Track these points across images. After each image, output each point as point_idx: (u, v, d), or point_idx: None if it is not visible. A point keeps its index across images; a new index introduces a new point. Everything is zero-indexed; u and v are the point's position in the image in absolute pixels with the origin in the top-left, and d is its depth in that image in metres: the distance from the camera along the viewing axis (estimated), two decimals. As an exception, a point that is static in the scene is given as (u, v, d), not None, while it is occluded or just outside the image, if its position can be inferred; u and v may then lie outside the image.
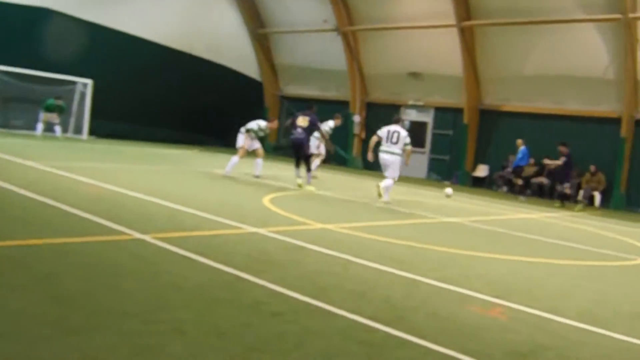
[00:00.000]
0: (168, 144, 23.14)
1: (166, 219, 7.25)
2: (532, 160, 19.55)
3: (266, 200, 10.12)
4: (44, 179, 9.59)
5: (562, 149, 16.48)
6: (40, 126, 19.74)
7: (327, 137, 15.02)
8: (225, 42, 25.46)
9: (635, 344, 4.42)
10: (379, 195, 11.45)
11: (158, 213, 7.64)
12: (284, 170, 15.91)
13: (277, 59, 27.14)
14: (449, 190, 13.80)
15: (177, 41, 23.54)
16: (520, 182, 18.50)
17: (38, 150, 14.78)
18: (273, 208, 9.27)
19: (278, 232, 7.15)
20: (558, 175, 17.17)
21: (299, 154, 12.84)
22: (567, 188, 17.21)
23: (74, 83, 21.18)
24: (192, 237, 6.34)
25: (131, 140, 22.23)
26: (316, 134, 14.08)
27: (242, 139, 13.97)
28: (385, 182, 11.53)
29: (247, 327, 3.78)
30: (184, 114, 24.08)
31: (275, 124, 15.06)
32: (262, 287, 4.75)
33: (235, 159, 13.64)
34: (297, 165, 12.96)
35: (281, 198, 10.73)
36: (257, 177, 13.99)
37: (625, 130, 18.00)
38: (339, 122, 16.34)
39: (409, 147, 11.72)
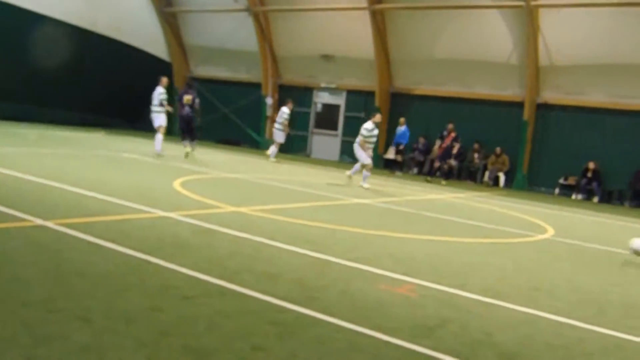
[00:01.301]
0: (72, 126, 22.04)
1: (70, 205, 6.94)
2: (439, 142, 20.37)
3: (177, 183, 9.91)
4: None
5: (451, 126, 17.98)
6: None
7: (286, 123, 17.70)
8: (130, 19, 24.43)
9: (532, 314, 4.71)
10: None
11: (62, 198, 7.29)
12: (197, 154, 15.61)
13: (186, 39, 26.42)
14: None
15: (79, 18, 22.32)
16: (399, 158, 20.09)
17: None
18: (184, 191, 9.09)
19: (189, 216, 7.03)
20: (446, 153, 18.25)
21: (187, 129, 15.22)
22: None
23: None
24: (99, 223, 6.11)
25: (32, 122, 20.97)
26: (278, 125, 17.65)
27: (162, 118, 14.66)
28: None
29: (157, 312, 3.72)
30: (89, 95, 22.97)
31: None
32: (173, 271, 4.67)
33: (159, 136, 14.46)
34: (184, 138, 15.19)
35: (192, 181, 10.55)
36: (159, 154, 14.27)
37: (527, 114, 18.99)
38: (291, 106, 18.07)
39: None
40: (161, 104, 14.51)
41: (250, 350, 3.31)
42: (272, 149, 17.96)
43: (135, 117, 25.40)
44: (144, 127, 23.12)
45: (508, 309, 4.79)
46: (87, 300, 3.79)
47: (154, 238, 5.73)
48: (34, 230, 5.51)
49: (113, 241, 5.33)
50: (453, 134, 17.89)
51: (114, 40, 23.61)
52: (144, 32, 25.25)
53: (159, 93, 14.57)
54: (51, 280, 4.15)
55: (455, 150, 18.30)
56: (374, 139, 13.46)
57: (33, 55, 20.58)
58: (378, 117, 13.51)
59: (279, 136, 17.91)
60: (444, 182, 17.96)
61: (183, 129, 15.37)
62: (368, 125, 13.25)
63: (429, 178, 18.25)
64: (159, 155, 14.19)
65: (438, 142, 18.78)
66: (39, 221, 5.83)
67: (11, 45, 20.07)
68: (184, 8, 25.42)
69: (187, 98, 15.00)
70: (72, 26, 22.05)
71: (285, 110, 17.78)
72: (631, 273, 7.07)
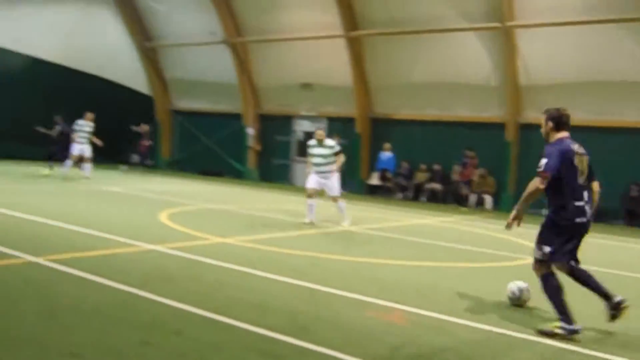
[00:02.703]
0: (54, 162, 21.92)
1: (59, 240, 6.97)
2: (423, 167, 20.56)
3: (163, 216, 9.95)
4: None
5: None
6: None
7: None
8: (110, 55, 24.56)
9: (531, 340, 4.66)
10: None
11: (50, 234, 7.32)
12: (181, 185, 15.64)
13: (167, 72, 26.58)
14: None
15: (57, 56, 22.46)
16: (389, 184, 20.10)
17: None
18: (170, 224, 9.13)
19: (176, 248, 7.08)
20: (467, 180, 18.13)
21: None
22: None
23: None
24: (87, 258, 6.15)
25: (12, 159, 20.86)
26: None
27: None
28: None
29: (147, 347, 3.77)
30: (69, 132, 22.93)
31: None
32: (162, 304, 4.72)
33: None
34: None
35: (178, 214, 10.58)
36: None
37: (510, 135, 19.06)
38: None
39: None
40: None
41: (242, 380, 3.36)
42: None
43: (118, 152, 25.37)
44: (127, 162, 23.13)
45: (499, 334, 4.74)
46: (78, 335, 3.84)
47: (142, 271, 5.77)
48: (25, 267, 5.56)
49: (102, 275, 5.37)
50: (475, 161, 17.70)
51: (94, 76, 23.71)
52: (125, 68, 25.36)
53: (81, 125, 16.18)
54: (44, 315, 4.19)
55: (475, 177, 18.28)
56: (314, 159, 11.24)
57: (13, 93, 20.66)
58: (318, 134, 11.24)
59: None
60: (463, 209, 17.66)
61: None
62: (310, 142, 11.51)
63: (461, 208, 17.82)
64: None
65: (457, 169, 18.69)
66: (29, 257, 5.86)
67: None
68: (163, 42, 25.63)
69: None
70: (50, 63, 22.17)
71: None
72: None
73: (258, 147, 24.30)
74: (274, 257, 7.21)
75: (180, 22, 24.45)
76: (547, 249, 5.02)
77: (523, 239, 11.62)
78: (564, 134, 5.23)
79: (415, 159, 20.90)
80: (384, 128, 21.77)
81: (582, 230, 5.05)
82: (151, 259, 6.48)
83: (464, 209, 17.66)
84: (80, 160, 16.29)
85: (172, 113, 26.81)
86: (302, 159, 23.87)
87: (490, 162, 19.50)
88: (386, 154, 19.96)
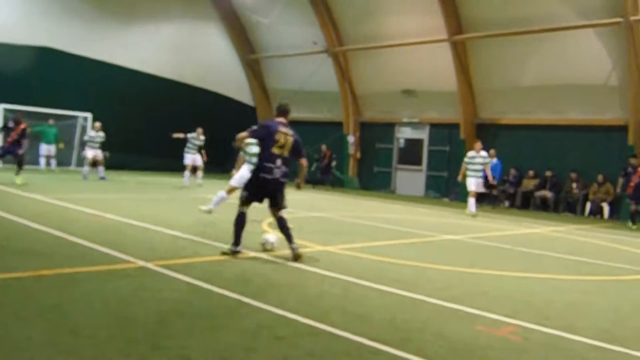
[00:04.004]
0: (167, 172, 23.20)
1: (168, 246, 7.29)
2: (532, 173, 19.64)
3: (265, 224, 10.14)
4: (49, 211, 9.72)
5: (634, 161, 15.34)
6: (42, 160, 20.26)
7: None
8: (217, 69, 25.76)
9: None
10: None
11: (160, 241, 7.68)
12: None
13: (269, 83, 27.34)
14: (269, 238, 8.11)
15: (169, 71, 23.88)
16: (495, 191, 19.20)
17: (43, 183, 14.85)
18: (272, 231, 9.28)
19: (278, 256, 7.17)
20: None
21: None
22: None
23: (74, 117, 21.70)
24: (194, 264, 6.37)
25: (130, 170, 22.33)
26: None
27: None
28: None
29: (251, 352, 3.81)
30: (181, 142, 24.18)
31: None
32: (265, 311, 4.77)
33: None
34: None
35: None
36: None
37: (633, 138, 17.51)
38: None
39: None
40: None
41: (344, 391, 3.30)
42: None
43: (225, 161, 26.37)
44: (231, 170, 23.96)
45: (628, 355, 4.36)
46: (186, 338, 3.95)
47: (246, 278, 5.89)
48: (137, 272, 5.84)
49: (207, 281, 5.53)
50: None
51: (201, 89, 24.90)
52: (230, 80, 26.46)
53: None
54: (154, 318, 4.36)
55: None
56: (475, 167, 14.91)
57: (129, 108, 22.21)
58: (477, 146, 14.95)
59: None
60: (633, 225, 15.22)
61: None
62: (470, 153, 14.89)
63: (631, 225, 15.31)
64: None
65: (621, 180, 16.06)
66: (141, 262, 6.17)
67: (109, 99, 21.77)
68: (265, 54, 26.40)
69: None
70: (162, 79, 23.58)
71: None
72: None
73: (358, 155, 24.32)
74: (377, 266, 7.11)
75: (282, 33, 25.07)
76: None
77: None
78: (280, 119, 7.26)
79: (524, 165, 20.03)
80: (489, 133, 21.04)
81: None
82: (255, 265, 6.60)
83: (633, 226, 15.24)
84: (193, 170, 18.45)
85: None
86: (404, 166, 23.65)
87: (609, 168, 18.17)
88: (492, 161, 19.18)
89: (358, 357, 3.87)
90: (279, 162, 7.00)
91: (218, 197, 10.61)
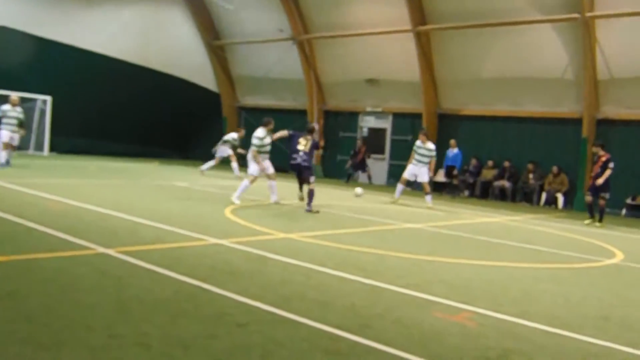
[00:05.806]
0: (128, 157, 22.83)
1: (129, 233, 7.21)
2: (491, 163, 20.04)
3: (228, 211, 10.12)
4: (6, 196, 9.48)
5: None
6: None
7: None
8: (181, 54, 25.37)
9: (603, 345, 4.44)
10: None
11: (121, 227, 7.58)
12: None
13: (234, 69, 27.09)
14: (358, 189, 15.21)
15: (132, 55, 23.39)
16: (455, 181, 19.71)
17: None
18: (235, 219, 9.27)
19: (241, 243, 7.17)
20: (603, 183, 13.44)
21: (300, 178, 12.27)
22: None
23: (33, 100, 20.94)
24: (155, 250, 6.32)
25: (92, 155, 21.92)
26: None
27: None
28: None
29: (212, 339, 3.81)
30: (143, 128, 23.82)
31: (242, 133, 18.95)
32: (227, 298, 4.77)
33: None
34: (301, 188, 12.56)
35: (243, 209, 10.74)
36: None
37: (586, 130, 18.04)
38: (242, 133, 18.96)
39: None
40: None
41: (304, 376, 3.34)
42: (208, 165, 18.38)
43: (187, 147, 26.12)
44: (195, 157, 23.75)
45: (576, 339, 4.52)
46: (146, 325, 3.93)
47: (207, 265, 5.87)
48: (96, 258, 5.75)
49: (169, 268, 5.49)
50: (604, 157, 13.45)
51: (164, 74, 24.50)
52: (194, 65, 26.11)
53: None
54: (113, 305, 4.32)
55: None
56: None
57: (90, 91, 21.69)
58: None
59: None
60: (597, 223, 13.64)
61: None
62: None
63: (593, 222, 13.85)
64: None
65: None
66: (101, 249, 6.09)
67: (70, 83, 21.19)
68: (231, 40, 26.13)
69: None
70: (125, 63, 23.07)
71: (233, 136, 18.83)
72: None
73: (322, 144, 24.34)
74: (339, 254, 7.17)
75: (247, 20, 24.85)
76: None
77: (597, 239, 11.14)
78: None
79: (484, 155, 20.41)
80: (450, 124, 21.36)
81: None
82: (217, 253, 6.58)
83: (598, 223, 13.70)
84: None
85: (237, 109, 27.29)
86: (367, 154, 23.77)
87: (563, 159, 18.74)
88: (452, 151, 19.57)
89: (318, 344, 3.92)
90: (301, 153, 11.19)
91: (242, 186, 11.69)
